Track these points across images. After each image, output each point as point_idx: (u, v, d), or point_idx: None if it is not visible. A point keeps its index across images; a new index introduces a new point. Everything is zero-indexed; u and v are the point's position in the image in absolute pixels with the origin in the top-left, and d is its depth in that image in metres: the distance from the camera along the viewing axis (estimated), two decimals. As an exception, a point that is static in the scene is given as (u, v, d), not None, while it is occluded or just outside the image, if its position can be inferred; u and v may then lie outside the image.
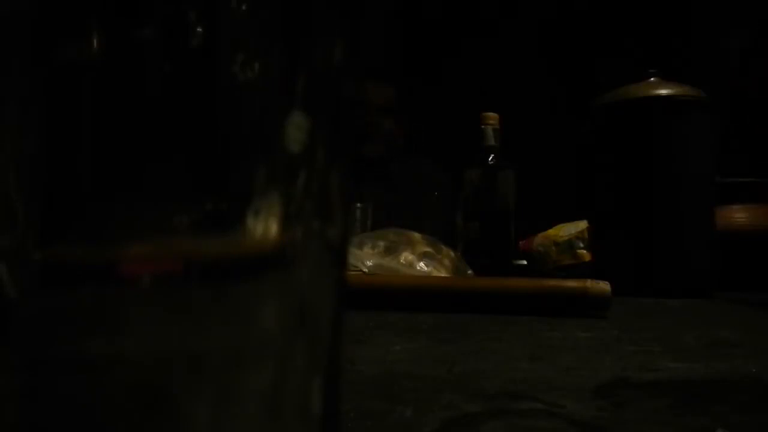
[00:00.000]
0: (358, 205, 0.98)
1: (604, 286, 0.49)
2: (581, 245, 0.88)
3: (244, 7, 0.09)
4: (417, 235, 0.70)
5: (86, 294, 0.09)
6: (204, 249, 0.09)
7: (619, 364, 0.29)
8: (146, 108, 0.09)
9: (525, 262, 0.95)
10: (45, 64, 0.09)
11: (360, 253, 0.64)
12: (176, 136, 0.09)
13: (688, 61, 1.67)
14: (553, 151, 1.74)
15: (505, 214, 0.83)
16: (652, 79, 0.73)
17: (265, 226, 0.10)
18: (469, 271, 0.70)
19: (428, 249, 0.67)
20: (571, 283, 0.50)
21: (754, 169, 0.86)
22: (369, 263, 0.63)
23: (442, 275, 0.65)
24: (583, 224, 0.88)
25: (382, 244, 0.66)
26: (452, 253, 0.70)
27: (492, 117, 0.86)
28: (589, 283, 0.49)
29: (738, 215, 0.80)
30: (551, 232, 0.93)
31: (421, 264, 0.65)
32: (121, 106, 0.09)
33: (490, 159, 0.84)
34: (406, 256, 0.65)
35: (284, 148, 0.10)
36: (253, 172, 0.10)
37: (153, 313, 0.09)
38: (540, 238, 0.94)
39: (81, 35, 0.09)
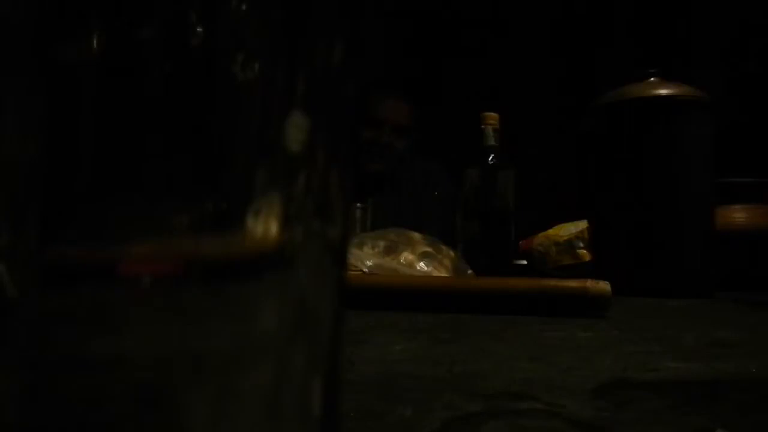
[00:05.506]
0: (358, 205, 0.99)
1: (604, 286, 0.49)
2: (581, 245, 0.88)
3: (244, 7, 0.09)
4: (417, 235, 0.70)
5: (86, 294, 0.09)
6: (204, 249, 0.09)
7: (619, 364, 0.29)
8: (146, 108, 0.09)
9: (525, 262, 0.95)
10: (45, 63, 0.09)
11: (360, 253, 0.64)
12: (176, 136, 0.09)
13: (688, 61, 1.67)
14: (553, 151, 1.74)
15: (505, 214, 0.83)
16: (652, 79, 0.73)
17: (265, 226, 0.10)
18: (469, 271, 0.70)
19: (428, 249, 0.67)
20: (571, 283, 0.50)
21: (754, 169, 0.86)
22: (369, 263, 0.63)
23: (442, 275, 0.65)
24: (583, 224, 0.88)
25: (382, 244, 0.66)
26: (452, 253, 0.70)
27: (492, 117, 0.86)
28: (589, 283, 0.49)
29: (738, 215, 0.80)
30: (551, 232, 0.93)
31: (421, 264, 0.65)
32: (121, 106, 0.09)
33: (490, 159, 0.84)
34: (406, 256, 0.65)
35: (284, 148, 0.10)
36: (253, 172, 0.10)
37: (153, 313, 0.09)
38: (540, 238, 0.94)
39: (81, 34, 0.09)
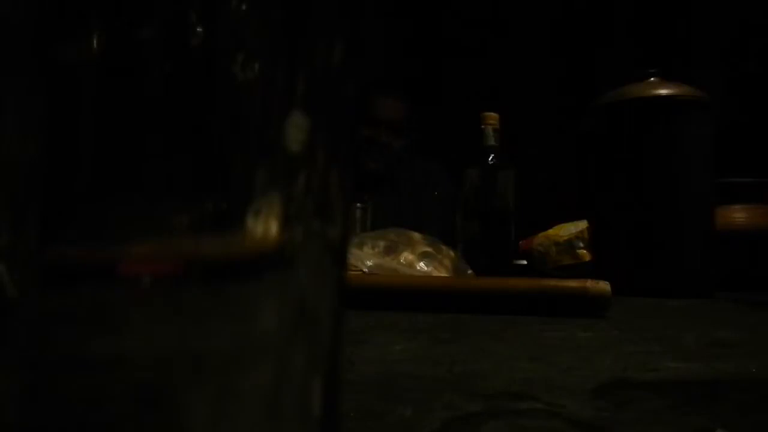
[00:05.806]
0: (358, 205, 0.98)
1: (604, 286, 0.49)
2: (581, 245, 0.88)
3: (244, 7, 0.09)
4: (417, 235, 0.70)
5: (86, 294, 0.09)
6: (204, 249, 0.09)
7: (619, 364, 0.29)
8: (146, 107, 0.09)
9: (525, 262, 0.95)
10: (45, 63, 0.09)
11: (360, 253, 0.64)
12: (176, 136, 0.09)
13: (688, 61, 1.67)
14: (553, 151, 1.74)
15: (505, 214, 0.83)
16: (652, 79, 0.73)
17: (265, 226, 0.10)
18: (469, 271, 0.70)
19: (428, 249, 0.67)
20: (571, 283, 0.50)
21: (754, 169, 0.86)
22: (369, 263, 0.63)
23: (442, 275, 0.65)
24: (583, 224, 0.88)
25: (382, 244, 0.66)
26: (452, 253, 0.70)
27: (492, 117, 0.86)
28: (589, 283, 0.49)
29: (738, 215, 0.80)
30: (551, 232, 0.93)
31: (421, 264, 0.65)
32: (121, 106, 0.09)
33: (490, 159, 0.84)
34: (406, 256, 0.65)
35: (284, 148, 0.10)
36: (253, 172, 0.10)
37: (153, 313, 0.09)
38: (540, 238, 0.94)
39: (81, 34, 0.09)
